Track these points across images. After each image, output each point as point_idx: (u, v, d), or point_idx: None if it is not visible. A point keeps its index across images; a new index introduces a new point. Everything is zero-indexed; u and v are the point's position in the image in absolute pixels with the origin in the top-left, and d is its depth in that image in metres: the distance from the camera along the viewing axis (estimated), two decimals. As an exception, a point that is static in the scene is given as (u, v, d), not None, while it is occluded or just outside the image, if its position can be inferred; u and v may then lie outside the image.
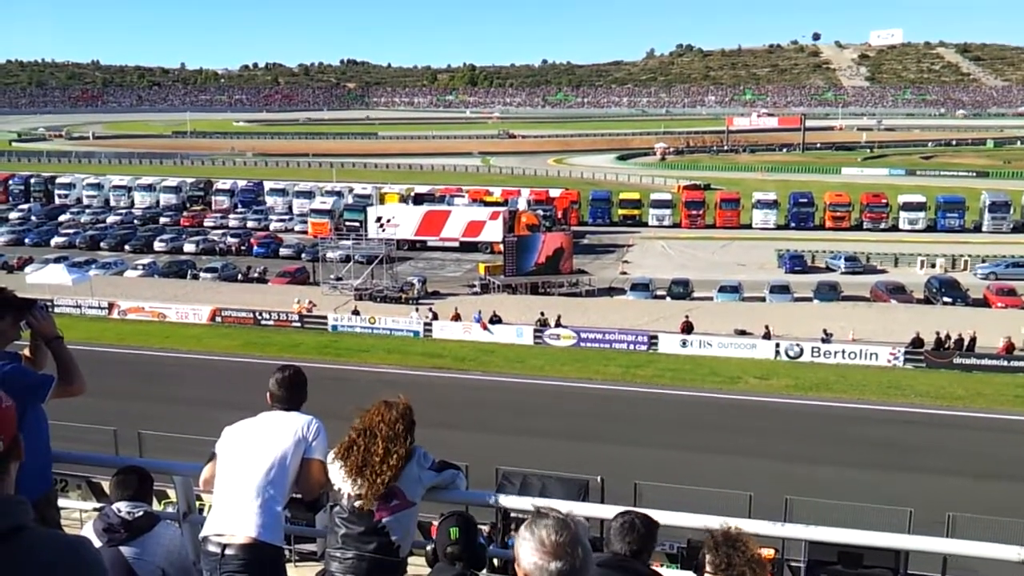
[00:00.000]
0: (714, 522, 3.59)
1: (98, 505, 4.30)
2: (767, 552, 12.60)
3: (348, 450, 3.68)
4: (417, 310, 40.34)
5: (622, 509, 3.44)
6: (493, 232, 52.93)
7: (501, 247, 49.53)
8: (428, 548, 3.75)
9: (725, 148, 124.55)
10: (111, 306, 41.16)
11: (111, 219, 66.42)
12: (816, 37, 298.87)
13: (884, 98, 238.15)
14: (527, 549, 2.24)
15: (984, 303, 41.52)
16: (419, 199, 61.49)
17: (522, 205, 58.51)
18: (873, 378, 31.52)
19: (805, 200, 63.69)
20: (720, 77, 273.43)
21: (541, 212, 56.08)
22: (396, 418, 3.69)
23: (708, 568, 2.93)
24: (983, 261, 49.13)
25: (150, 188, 74.40)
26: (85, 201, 74.14)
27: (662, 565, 15.88)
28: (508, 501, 4.62)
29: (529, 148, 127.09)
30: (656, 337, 35.78)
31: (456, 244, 55.24)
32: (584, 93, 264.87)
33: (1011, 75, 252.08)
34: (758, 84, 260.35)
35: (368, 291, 43.77)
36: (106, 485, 4.23)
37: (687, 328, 36.04)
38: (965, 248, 52.99)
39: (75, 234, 59.85)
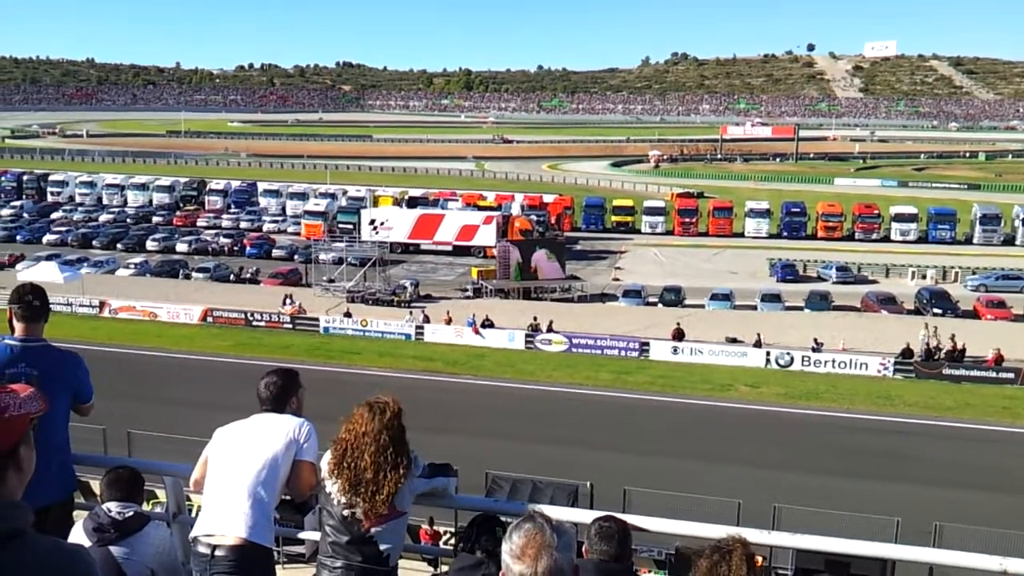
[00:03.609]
0: (701, 529, 3.63)
1: (88, 504, 4.31)
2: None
3: (339, 466, 3.65)
4: (411, 313, 40.33)
5: (600, 514, 3.48)
6: (486, 236, 53.01)
7: (494, 251, 49.54)
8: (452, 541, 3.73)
9: (719, 157, 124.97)
10: (102, 305, 41.03)
11: (103, 217, 66.20)
12: (811, 48, 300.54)
13: (877, 109, 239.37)
14: (504, 549, 2.36)
15: (974, 315, 41.72)
16: (413, 202, 61.52)
17: (516, 210, 58.57)
18: (863, 388, 31.64)
19: (797, 210, 63.97)
20: (715, 86, 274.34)
21: (535, 217, 56.15)
22: (380, 429, 3.61)
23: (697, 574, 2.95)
24: (973, 273, 49.39)
25: (143, 187, 74.19)
26: (78, 199, 73.88)
27: (650, 571, 15.94)
28: (506, 507, 4.62)
29: (524, 153, 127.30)
30: (647, 344, 35.84)
31: (449, 248, 55.27)
32: (579, 99, 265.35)
33: (1003, 89, 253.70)
34: (752, 93, 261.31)
35: (360, 293, 43.75)
36: (95, 484, 4.22)
37: (678, 335, 36.10)
38: (956, 260, 53.26)
39: (67, 232, 59.66)
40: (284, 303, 40.95)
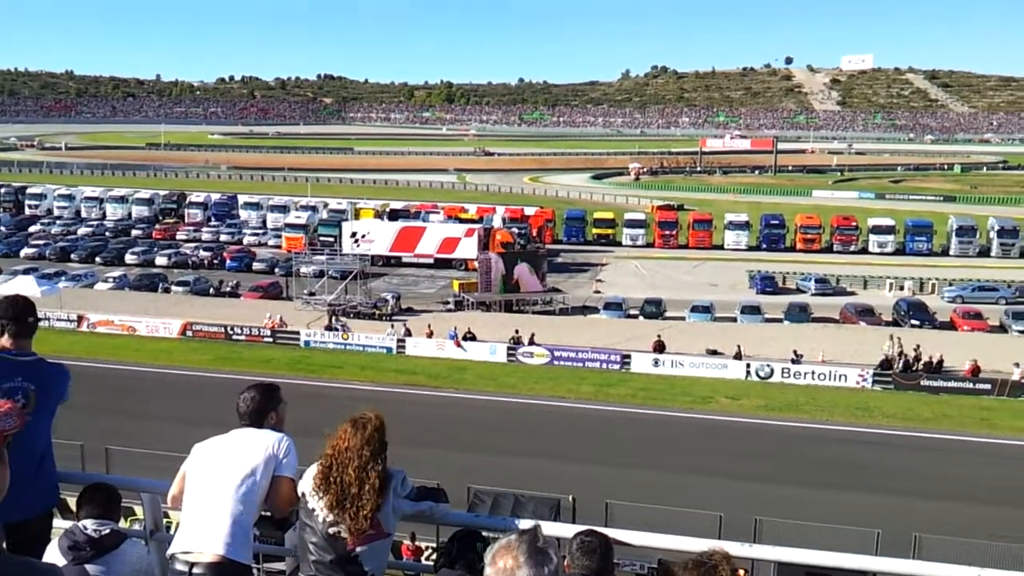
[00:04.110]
0: (683, 543, 3.62)
1: (64, 522, 4.26)
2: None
3: (325, 481, 3.62)
4: (392, 326, 40.23)
5: (581, 528, 3.47)
6: (468, 249, 53.03)
7: (476, 264, 49.55)
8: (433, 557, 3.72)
9: (698, 169, 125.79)
10: (80, 319, 40.64)
11: (82, 231, 65.73)
12: (789, 61, 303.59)
13: (855, 122, 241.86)
14: (486, 557, 2.45)
15: (951, 326, 42.15)
16: (394, 215, 61.53)
17: (497, 223, 58.65)
18: (842, 399, 31.84)
19: (776, 222, 64.48)
20: (694, 99, 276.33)
21: (516, 230, 56.24)
22: (362, 444, 3.60)
23: None
24: (950, 284, 49.91)
25: (122, 200, 73.77)
26: (56, 212, 73.39)
27: (632, 585, 15.91)
28: (488, 522, 4.59)
29: (505, 166, 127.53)
30: (629, 356, 35.91)
31: (431, 260, 55.25)
32: (560, 112, 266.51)
33: (977, 102, 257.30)
34: (731, 106, 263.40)
35: (342, 307, 43.58)
36: (72, 501, 4.19)
37: (659, 347, 36.22)
38: (933, 271, 53.82)
39: (45, 245, 59.15)
40: (330, 321, 40.74)
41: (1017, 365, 33.12)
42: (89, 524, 3.81)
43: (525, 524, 3.58)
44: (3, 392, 3.88)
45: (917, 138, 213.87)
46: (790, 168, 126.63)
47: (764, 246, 62.90)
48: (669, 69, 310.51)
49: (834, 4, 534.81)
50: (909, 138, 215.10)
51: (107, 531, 3.79)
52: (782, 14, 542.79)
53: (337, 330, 39.49)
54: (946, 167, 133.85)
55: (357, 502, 3.55)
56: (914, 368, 34.27)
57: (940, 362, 34.33)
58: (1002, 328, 42.17)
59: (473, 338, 38.04)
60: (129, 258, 56.50)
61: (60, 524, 4.11)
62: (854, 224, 63.40)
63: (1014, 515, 20.06)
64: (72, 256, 57.19)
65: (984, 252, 61.50)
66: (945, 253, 61.37)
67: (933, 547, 15.03)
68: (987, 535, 16.61)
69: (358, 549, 3.59)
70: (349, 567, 3.59)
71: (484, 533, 3.79)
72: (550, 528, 3.95)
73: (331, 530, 3.59)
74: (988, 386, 32.80)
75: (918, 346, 35.17)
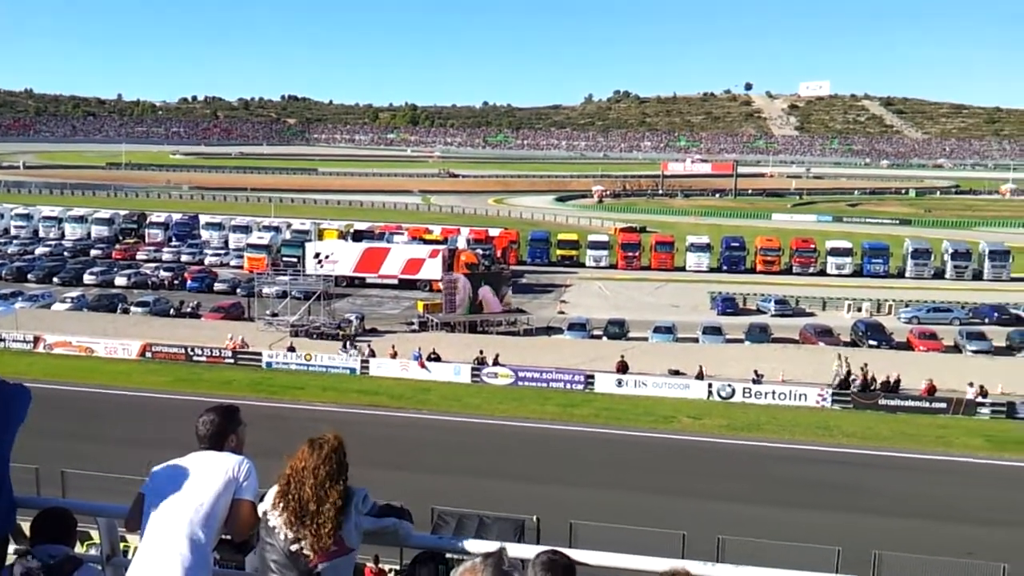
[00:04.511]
0: (646, 563, 3.65)
1: (18, 548, 4.18)
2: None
3: (284, 498, 3.62)
4: (344, 346, 40.03)
5: (543, 548, 3.48)
6: (432, 270, 53.02)
7: (440, 285, 49.51)
8: None
9: (660, 192, 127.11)
10: (36, 340, 39.83)
11: (40, 250, 64.72)
12: (748, 87, 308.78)
13: (812, 147, 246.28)
14: None
15: (907, 346, 42.91)
16: (358, 236, 61.33)
17: (461, 244, 58.71)
18: (802, 418, 32.21)
19: (737, 244, 65.35)
20: (656, 123, 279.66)
21: (480, 251, 56.30)
22: (319, 463, 3.59)
23: None
24: (906, 305, 50.82)
25: (81, 220, 72.73)
26: (13, 232, 72.18)
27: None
28: (452, 543, 4.57)
29: (469, 187, 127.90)
30: (592, 377, 36.03)
31: (395, 281, 55.08)
32: (524, 135, 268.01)
33: (930, 128, 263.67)
34: (692, 131, 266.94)
35: (305, 327, 43.23)
36: (26, 527, 4.12)
37: (622, 368, 36.40)
38: (889, 293, 54.80)
39: (1, 266, 58.08)
40: (345, 345, 40.55)
41: (971, 384, 33.80)
42: (43, 551, 3.74)
43: (489, 546, 3.58)
44: None
45: (873, 163, 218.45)
46: (750, 191, 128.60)
47: (725, 268, 63.66)
48: (631, 94, 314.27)
49: (792, 31, 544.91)
50: (865, 163, 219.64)
51: (61, 557, 3.72)
52: (742, 40, 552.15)
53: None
54: (901, 191, 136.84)
55: (317, 519, 3.54)
56: (872, 388, 34.80)
57: (897, 381, 34.90)
58: (956, 348, 43.01)
59: (437, 359, 37.93)
60: (88, 278, 55.56)
61: (13, 550, 4.03)
62: (812, 246, 64.44)
63: (972, 532, 20.43)
64: (29, 276, 56.23)
65: (938, 274, 62.80)
66: (901, 275, 62.57)
67: (893, 564, 15.23)
68: (946, 552, 16.87)
69: (320, 566, 3.57)
70: None
71: (448, 555, 3.79)
72: (515, 550, 3.96)
73: (292, 547, 3.57)
74: (944, 405, 33.42)
75: (865, 364, 35.75)
